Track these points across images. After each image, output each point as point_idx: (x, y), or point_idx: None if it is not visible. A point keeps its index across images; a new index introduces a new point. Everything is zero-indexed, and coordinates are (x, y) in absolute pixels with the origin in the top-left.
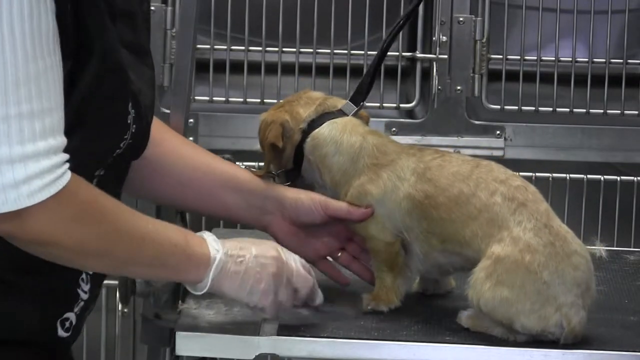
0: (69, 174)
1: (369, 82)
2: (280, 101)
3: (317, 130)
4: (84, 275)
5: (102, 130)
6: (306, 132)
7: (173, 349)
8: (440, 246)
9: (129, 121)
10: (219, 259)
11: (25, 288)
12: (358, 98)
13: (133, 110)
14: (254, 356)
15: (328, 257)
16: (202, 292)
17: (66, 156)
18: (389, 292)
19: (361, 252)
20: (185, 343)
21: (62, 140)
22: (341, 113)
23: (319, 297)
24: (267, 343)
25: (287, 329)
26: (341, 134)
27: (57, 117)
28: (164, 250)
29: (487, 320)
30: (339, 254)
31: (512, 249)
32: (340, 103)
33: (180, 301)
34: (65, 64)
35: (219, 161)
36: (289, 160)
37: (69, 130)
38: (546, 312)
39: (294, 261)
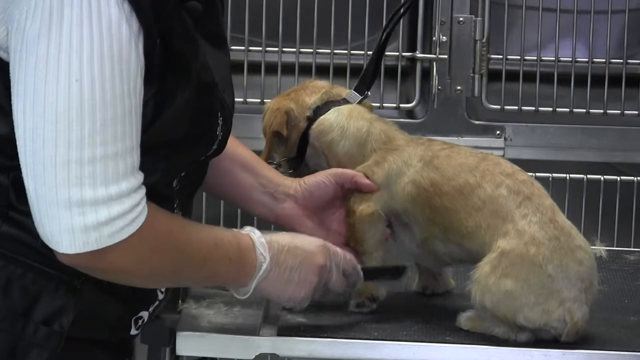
0: (146, 209)
1: (373, 71)
2: (288, 90)
3: (323, 116)
4: None
5: (193, 144)
6: (312, 119)
7: (173, 349)
8: (441, 235)
9: (217, 132)
10: (264, 268)
11: (112, 287)
12: (362, 87)
13: (221, 118)
14: (254, 356)
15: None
16: (245, 297)
17: (144, 190)
18: (369, 285)
19: None
20: (185, 343)
21: (141, 177)
22: (346, 101)
23: (361, 278)
24: (267, 343)
25: (287, 329)
26: (347, 120)
27: (136, 155)
28: (222, 268)
29: (487, 320)
30: None
31: (517, 242)
32: (345, 92)
33: (180, 301)
34: (149, 88)
35: (239, 145)
36: (293, 148)
37: (159, 146)
38: (550, 306)
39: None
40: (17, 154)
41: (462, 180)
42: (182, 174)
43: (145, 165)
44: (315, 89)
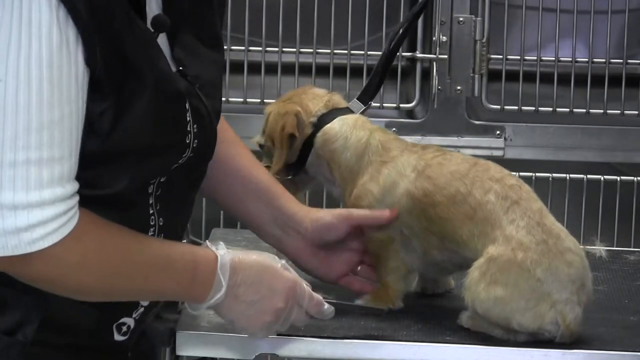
0: (74, 221)
1: (378, 82)
2: (285, 95)
3: (328, 125)
4: None
5: (160, 153)
6: (317, 127)
7: (173, 349)
8: (439, 244)
9: (187, 141)
10: (216, 297)
11: None
12: (365, 98)
13: (195, 126)
14: (254, 356)
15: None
16: (196, 313)
17: (74, 203)
18: (390, 291)
19: None
20: (185, 343)
21: (71, 189)
22: (349, 111)
23: (330, 312)
24: (267, 343)
25: (287, 329)
26: (351, 130)
27: (67, 166)
28: (167, 288)
29: (486, 321)
30: (359, 268)
31: (505, 248)
32: (343, 102)
33: (180, 301)
34: (104, 98)
35: (258, 168)
36: (295, 154)
37: (123, 155)
38: (541, 310)
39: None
40: None
41: (453, 189)
42: (162, 180)
43: (110, 173)
44: (317, 96)
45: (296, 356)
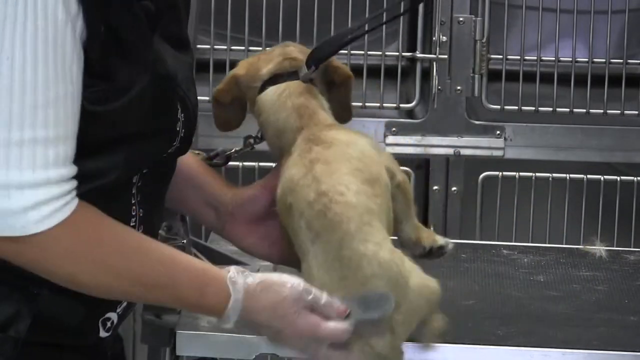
0: (75, 202)
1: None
2: (272, 48)
3: (262, 93)
4: None
5: (152, 139)
6: (260, 93)
7: (173, 349)
8: None
9: (177, 128)
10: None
11: (70, 291)
12: (317, 60)
13: (183, 115)
14: (254, 356)
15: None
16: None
17: (75, 184)
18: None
19: None
20: (185, 343)
21: (72, 170)
22: (295, 76)
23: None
24: (267, 343)
25: None
26: (276, 101)
27: (70, 146)
28: (168, 302)
29: None
30: None
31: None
32: (298, 60)
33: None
34: (97, 84)
35: (189, 156)
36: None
37: (117, 142)
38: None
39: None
40: None
41: (286, 200)
42: (144, 171)
43: (104, 164)
44: (276, 57)
45: (296, 356)
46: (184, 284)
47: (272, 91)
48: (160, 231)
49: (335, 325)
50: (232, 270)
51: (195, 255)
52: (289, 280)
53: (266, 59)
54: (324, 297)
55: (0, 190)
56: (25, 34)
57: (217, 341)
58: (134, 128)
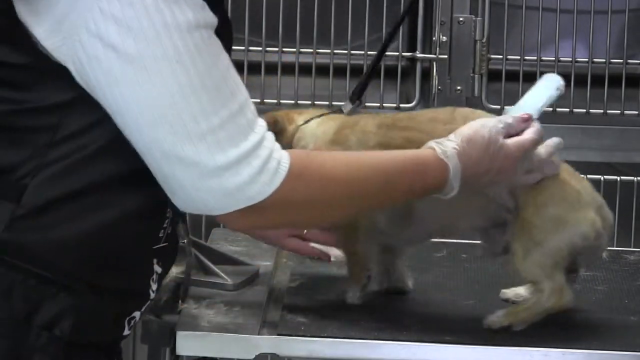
0: (279, 149)
1: (364, 81)
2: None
3: (303, 125)
4: (154, 276)
5: None
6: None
7: (173, 349)
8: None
9: None
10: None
11: (105, 288)
12: (353, 97)
13: None
14: (254, 356)
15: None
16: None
17: (269, 132)
18: (357, 266)
19: None
20: (185, 343)
21: (262, 122)
22: (341, 112)
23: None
24: (267, 343)
25: (287, 329)
26: (318, 126)
27: (252, 104)
28: (399, 196)
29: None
30: (305, 231)
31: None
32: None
33: (180, 301)
34: None
35: None
36: None
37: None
38: (592, 215)
39: None
40: (20, 165)
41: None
42: None
43: None
44: (309, 112)
45: (296, 356)
46: (409, 173)
47: (314, 121)
48: None
49: (531, 131)
50: (433, 145)
51: (196, 255)
52: (482, 123)
53: (301, 113)
54: (509, 118)
55: (226, 172)
56: (181, 29)
57: (217, 341)
58: None
